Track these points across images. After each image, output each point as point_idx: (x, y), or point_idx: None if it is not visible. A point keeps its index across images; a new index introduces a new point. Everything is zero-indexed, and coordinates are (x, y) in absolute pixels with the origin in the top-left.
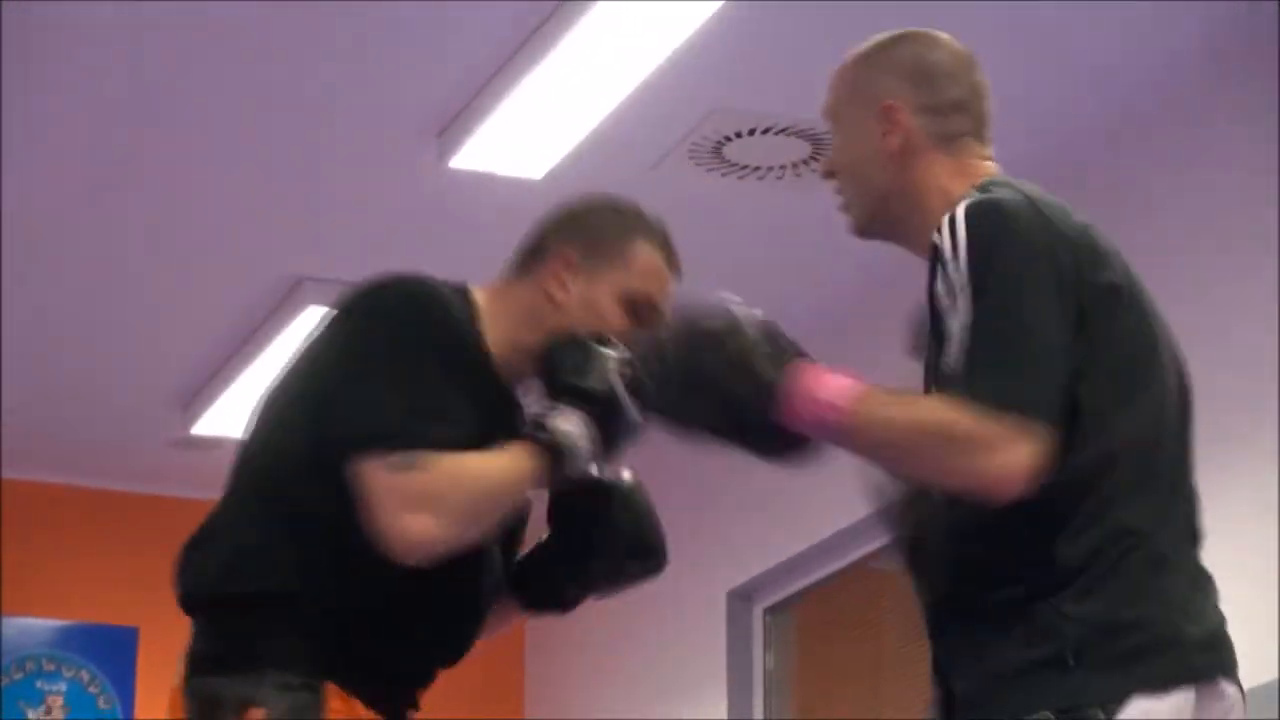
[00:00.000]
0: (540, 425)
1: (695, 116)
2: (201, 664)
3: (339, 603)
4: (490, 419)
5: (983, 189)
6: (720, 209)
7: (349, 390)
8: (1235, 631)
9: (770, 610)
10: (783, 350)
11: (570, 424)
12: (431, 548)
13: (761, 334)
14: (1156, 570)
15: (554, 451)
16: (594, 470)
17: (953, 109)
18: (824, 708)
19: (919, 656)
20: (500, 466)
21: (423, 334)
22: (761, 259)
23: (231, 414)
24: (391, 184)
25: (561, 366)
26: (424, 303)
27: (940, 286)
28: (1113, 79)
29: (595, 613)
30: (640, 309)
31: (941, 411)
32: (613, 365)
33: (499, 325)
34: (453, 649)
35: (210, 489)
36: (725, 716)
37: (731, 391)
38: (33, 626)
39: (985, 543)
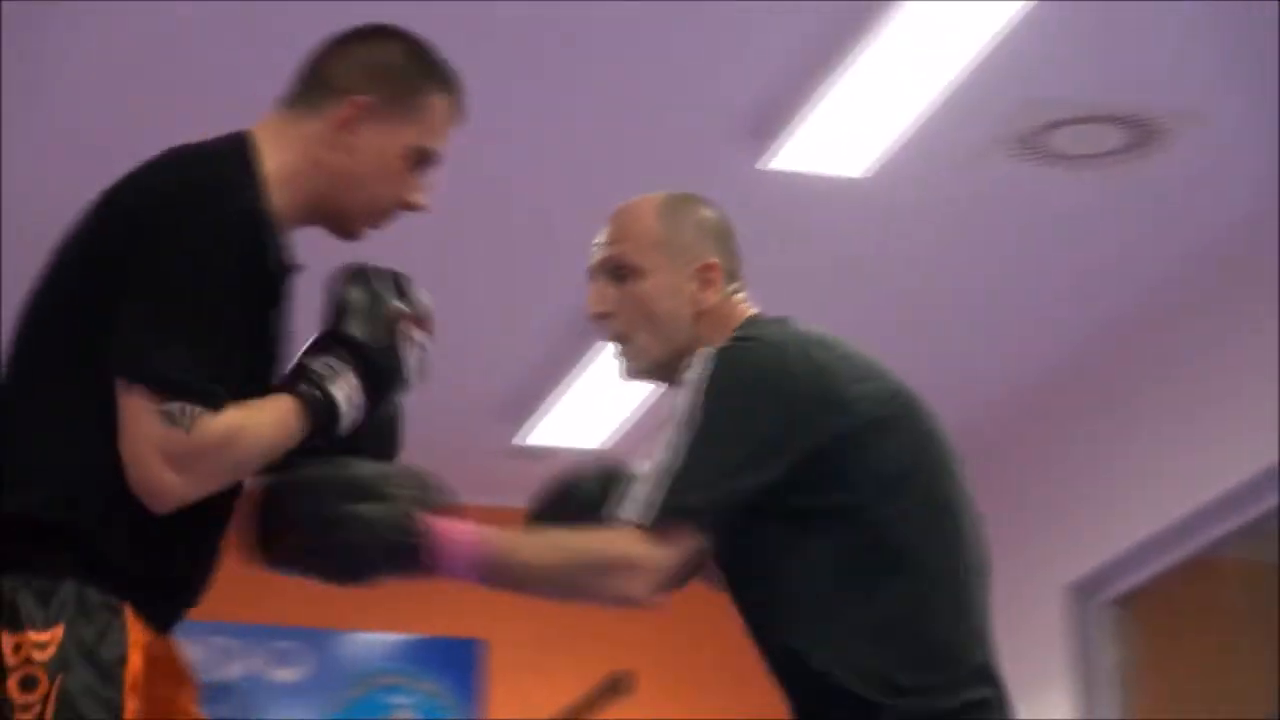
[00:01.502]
0: (315, 383)
1: (1013, 107)
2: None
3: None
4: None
5: (745, 331)
6: (1040, 199)
7: (141, 316)
8: None
9: (1112, 603)
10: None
11: (345, 388)
12: (176, 504)
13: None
14: None
15: (324, 417)
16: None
17: (738, 274)
18: (1172, 704)
19: (1266, 648)
20: (270, 427)
21: (222, 251)
22: (1082, 246)
23: (560, 424)
24: (707, 187)
25: (348, 310)
26: (221, 216)
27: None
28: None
29: None
30: (424, 162)
31: (580, 541)
32: (396, 318)
33: (289, 174)
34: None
35: None
36: (1070, 715)
37: (365, 544)
38: (378, 642)
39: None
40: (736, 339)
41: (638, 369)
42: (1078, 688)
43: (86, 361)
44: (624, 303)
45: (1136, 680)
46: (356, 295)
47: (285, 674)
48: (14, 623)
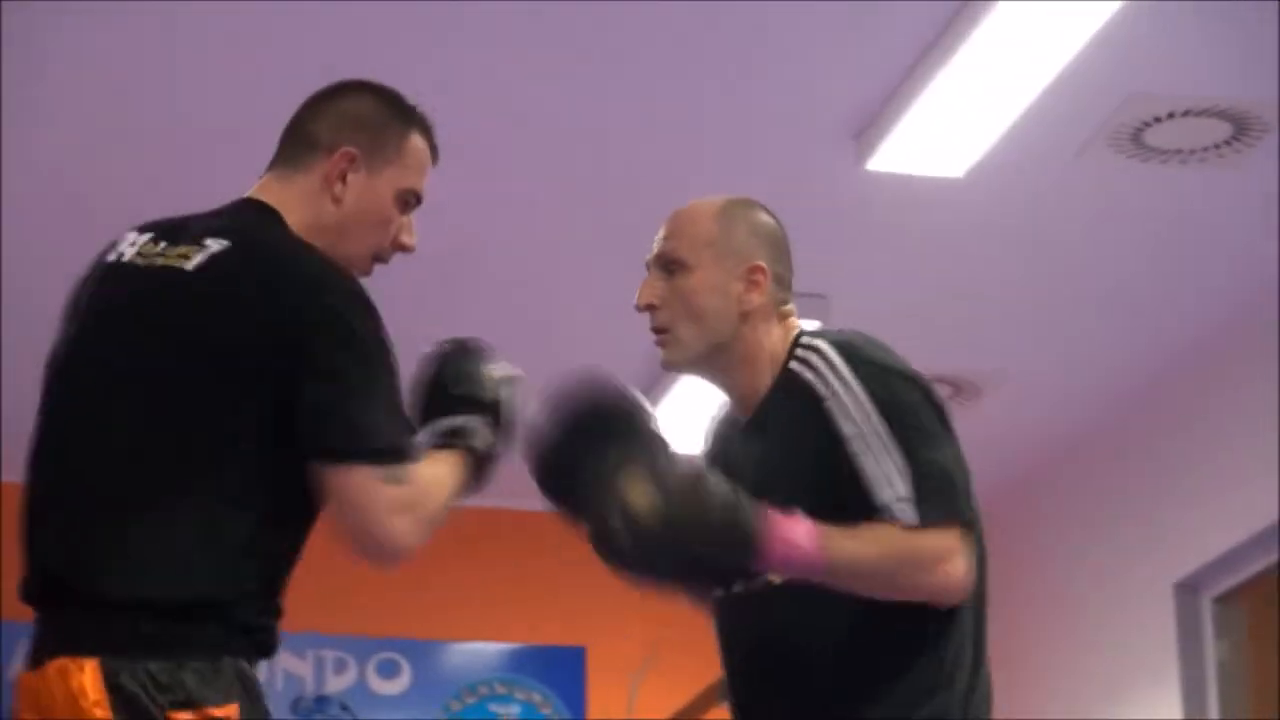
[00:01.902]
0: (464, 436)
1: (1114, 102)
2: (127, 648)
3: (259, 599)
4: None
5: (816, 334)
6: (1143, 195)
7: (340, 399)
8: None
9: (1219, 600)
10: (739, 495)
11: (488, 440)
12: (412, 553)
13: (719, 479)
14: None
15: (484, 468)
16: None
17: (789, 280)
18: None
19: None
20: (454, 477)
21: (382, 333)
22: (1188, 242)
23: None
24: (810, 189)
25: (462, 376)
26: (365, 294)
27: (846, 428)
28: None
29: (1038, 610)
30: (409, 202)
31: (894, 538)
32: (499, 375)
33: (292, 222)
34: None
35: None
36: (1180, 715)
37: (717, 555)
38: (482, 651)
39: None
40: (871, 344)
41: (677, 360)
42: (1185, 685)
43: (226, 443)
44: (670, 296)
45: (1243, 677)
46: (463, 363)
47: (389, 685)
48: (188, 702)
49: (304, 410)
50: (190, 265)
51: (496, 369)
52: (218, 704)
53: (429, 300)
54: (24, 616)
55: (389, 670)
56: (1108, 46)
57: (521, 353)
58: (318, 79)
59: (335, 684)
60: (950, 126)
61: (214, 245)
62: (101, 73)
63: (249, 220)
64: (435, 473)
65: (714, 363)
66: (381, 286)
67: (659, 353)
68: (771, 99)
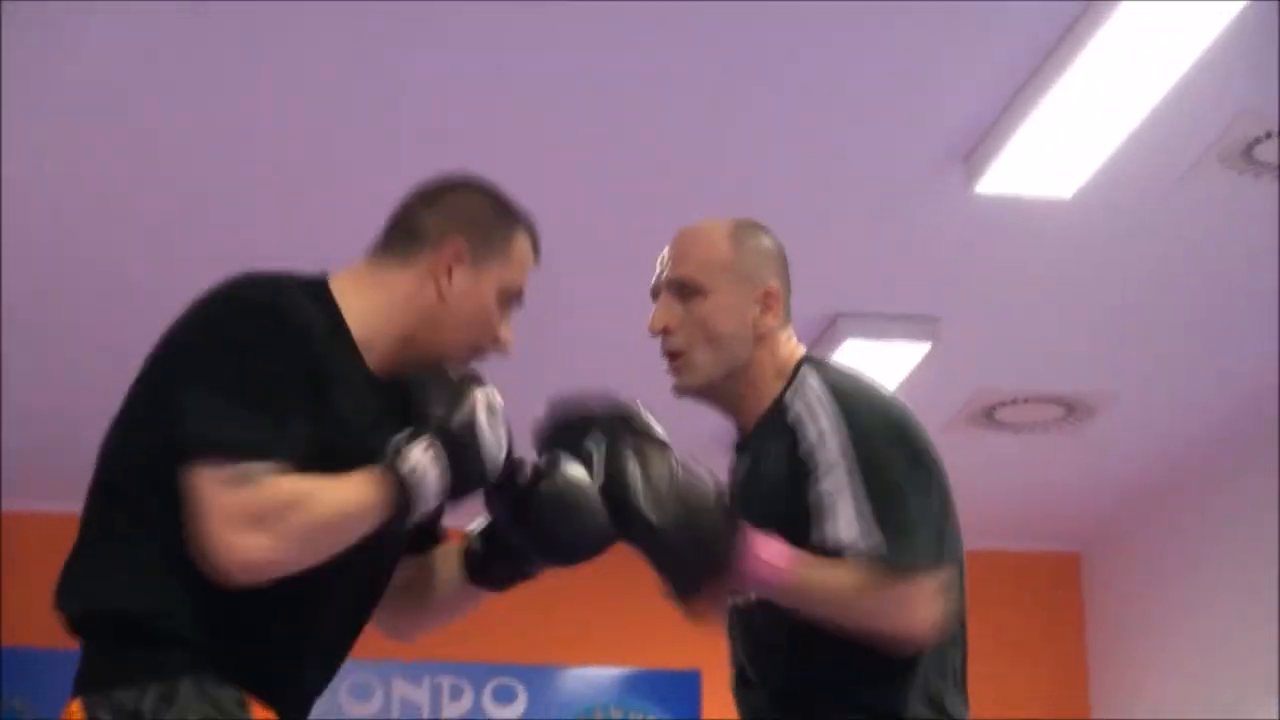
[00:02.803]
0: (394, 456)
1: (1223, 120)
2: (99, 681)
3: (217, 618)
4: (375, 418)
5: (816, 363)
6: (1253, 213)
7: (193, 398)
8: None
9: None
10: (726, 506)
11: (423, 459)
12: (261, 570)
13: (714, 489)
14: None
15: (401, 487)
16: (440, 504)
17: (789, 305)
18: None
19: None
20: (344, 495)
21: (275, 343)
22: None
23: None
24: (920, 213)
25: (427, 397)
26: (278, 309)
27: (820, 464)
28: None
29: (1151, 625)
30: (512, 300)
31: (867, 577)
32: (479, 399)
33: (372, 314)
34: (341, 655)
35: None
36: None
37: (700, 560)
38: (596, 676)
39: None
40: (863, 384)
41: (691, 385)
42: None
43: (148, 467)
44: (686, 321)
45: None
46: (434, 386)
47: (505, 711)
48: None
49: (168, 422)
50: None
51: (470, 395)
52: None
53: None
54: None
55: (505, 696)
56: (1218, 61)
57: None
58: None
59: (451, 710)
60: (1058, 148)
61: None
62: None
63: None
64: (308, 487)
65: (726, 387)
66: None
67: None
68: (881, 122)
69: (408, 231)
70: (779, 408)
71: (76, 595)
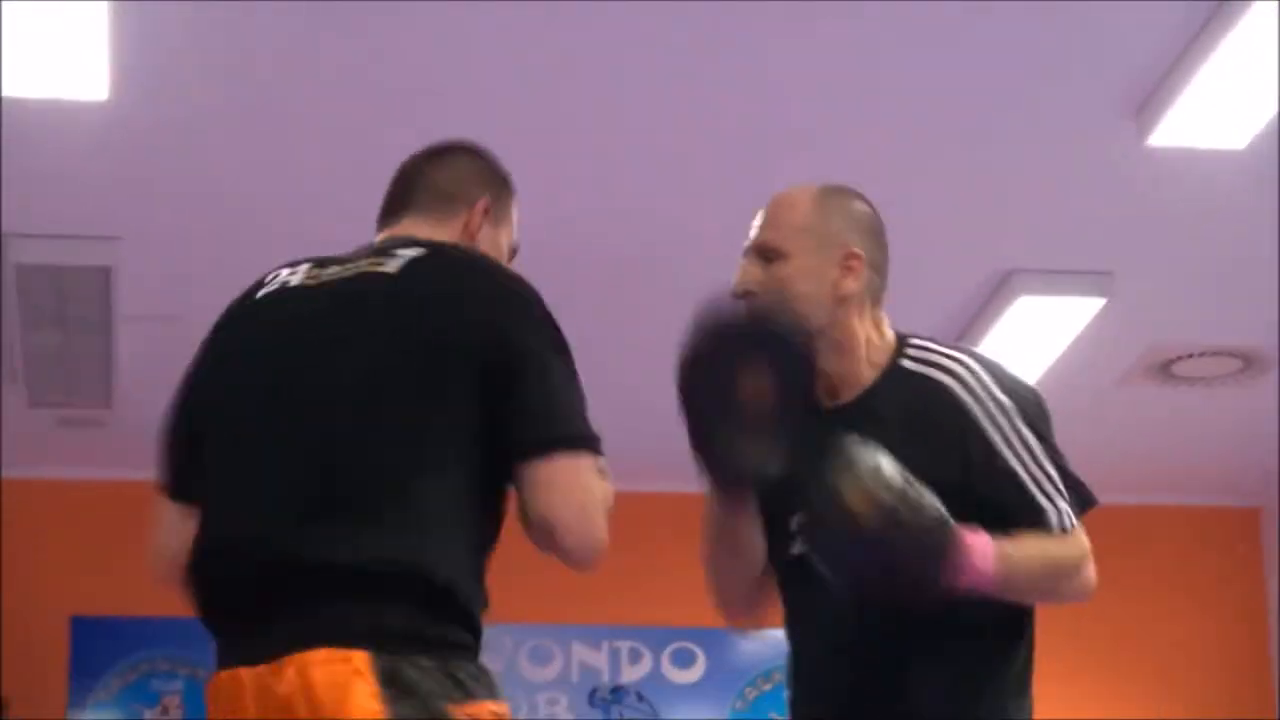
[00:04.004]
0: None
1: None
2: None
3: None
4: None
5: (932, 343)
6: None
7: (568, 389)
8: None
9: None
10: (936, 511)
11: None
12: (601, 557)
13: (920, 493)
14: None
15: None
16: None
17: (884, 270)
18: None
19: None
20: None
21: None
22: None
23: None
24: (1093, 167)
25: None
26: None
27: (996, 439)
28: None
29: None
30: (513, 258)
31: (1054, 547)
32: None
33: None
34: None
35: None
36: None
37: (919, 573)
38: (775, 639)
39: None
40: (1007, 367)
41: None
42: None
43: (446, 436)
44: (767, 283)
45: None
46: None
47: (684, 675)
48: (467, 697)
49: (521, 402)
50: (391, 269)
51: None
52: (492, 699)
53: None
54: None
55: (684, 660)
56: None
57: None
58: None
59: (631, 674)
60: (1231, 98)
61: (409, 253)
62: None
63: (426, 240)
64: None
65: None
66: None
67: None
68: (1053, 77)
69: (438, 193)
70: (910, 380)
71: (379, 549)
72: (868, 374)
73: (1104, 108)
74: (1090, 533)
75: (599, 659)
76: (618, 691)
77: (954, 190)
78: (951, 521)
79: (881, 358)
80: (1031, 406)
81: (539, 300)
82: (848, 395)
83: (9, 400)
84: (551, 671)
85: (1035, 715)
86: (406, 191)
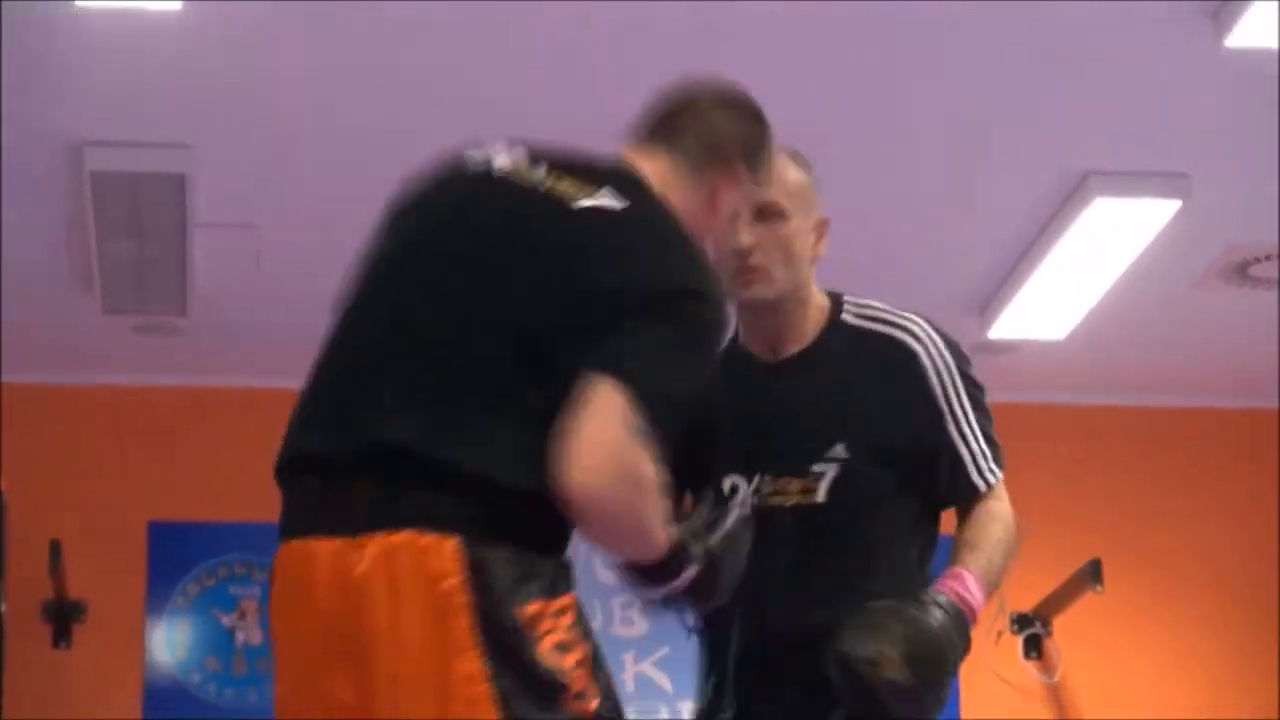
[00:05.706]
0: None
1: None
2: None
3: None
4: None
5: (874, 301)
6: None
7: (660, 347)
8: None
9: None
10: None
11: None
12: (584, 508)
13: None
14: None
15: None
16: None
17: None
18: None
19: None
20: (659, 523)
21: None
22: None
23: (1024, 316)
24: (1169, 69)
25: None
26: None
27: (942, 402)
28: None
29: None
30: (739, 216)
31: (999, 530)
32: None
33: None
34: None
35: (1009, 391)
36: None
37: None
38: None
39: None
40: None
41: (765, 296)
42: None
43: (552, 357)
44: (769, 239)
45: None
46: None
47: None
48: (545, 589)
49: (609, 335)
50: (575, 204)
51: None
52: (564, 592)
53: None
54: None
55: None
56: None
57: None
58: None
59: None
60: None
61: (603, 198)
62: None
63: (638, 185)
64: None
65: (784, 303)
66: None
67: None
68: None
69: (702, 142)
70: (856, 335)
71: (479, 458)
72: (811, 331)
73: (1181, 8)
74: (1166, 435)
75: None
76: None
77: (1030, 93)
78: (962, 616)
79: (821, 315)
80: (971, 369)
81: (708, 296)
82: (793, 348)
83: (85, 308)
84: None
85: (1105, 613)
86: (677, 124)
